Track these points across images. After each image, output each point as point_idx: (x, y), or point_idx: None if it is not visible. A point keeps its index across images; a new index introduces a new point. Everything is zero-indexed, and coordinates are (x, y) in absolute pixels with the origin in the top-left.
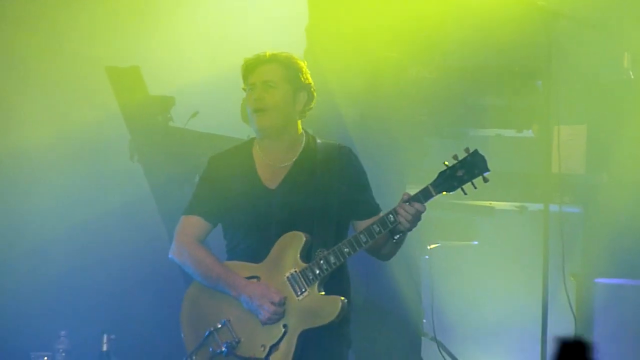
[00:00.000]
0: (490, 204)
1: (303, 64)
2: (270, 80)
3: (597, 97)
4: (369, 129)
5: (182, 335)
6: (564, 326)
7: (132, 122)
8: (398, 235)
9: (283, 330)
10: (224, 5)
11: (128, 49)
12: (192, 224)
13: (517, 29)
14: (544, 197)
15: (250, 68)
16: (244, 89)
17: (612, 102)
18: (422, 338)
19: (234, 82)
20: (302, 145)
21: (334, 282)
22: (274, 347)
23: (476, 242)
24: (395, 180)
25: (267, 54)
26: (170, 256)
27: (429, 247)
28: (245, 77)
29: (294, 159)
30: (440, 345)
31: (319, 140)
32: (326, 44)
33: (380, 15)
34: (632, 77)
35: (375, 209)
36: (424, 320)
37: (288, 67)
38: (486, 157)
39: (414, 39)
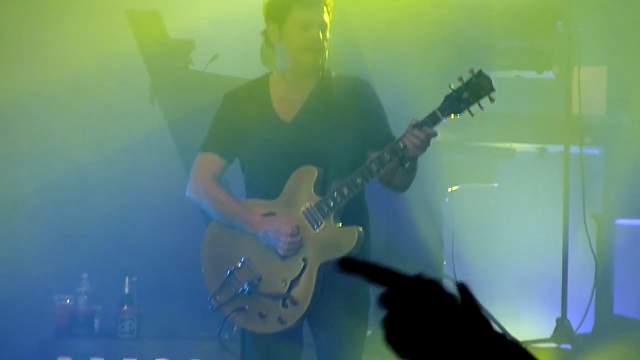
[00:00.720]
0: (511, 146)
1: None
2: (325, 21)
3: (617, 39)
4: (388, 70)
5: (204, 275)
6: (584, 268)
7: (152, 66)
8: (408, 163)
9: (303, 264)
10: None
11: None
12: (208, 162)
13: None
14: (565, 139)
15: (308, 3)
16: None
17: (633, 43)
18: (443, 281)
19: (254, 25)
20: (318, 77)
21: (353, 217)
22: (295, 282)
23: (497, 185)
24: (413, 115)
25: None
26: (187, 195)
27: (449, 190)
28: (295, 8)
29: (310, 91)
30: None
31: (333, 74)
32: None
33: None
34: None
35: (392, 140)
36: (445, 263)
37: (330, 8)
38: (492, 78)
39: None
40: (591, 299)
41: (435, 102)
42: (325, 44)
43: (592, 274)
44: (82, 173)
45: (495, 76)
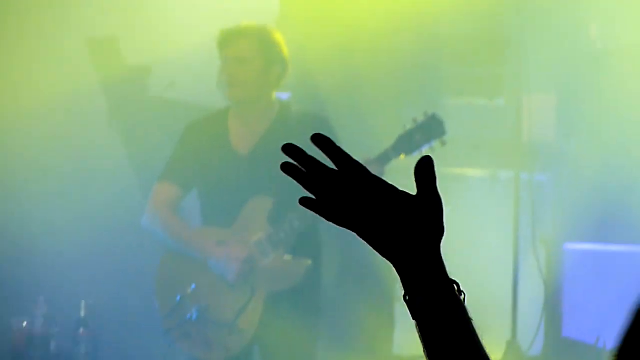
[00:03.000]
0: (462, 171)
1: (279, 37)
2: (243, 56)
3: (566, 67)
4: (343, 99)
5: (155, 300)
6: (534, 291)
7: (109, 92)
8: None
9: (250, 293)
10: None
11: (107, 18)
12: (165, 191)
13: None
14: (515, 165)
15: (225, 42)
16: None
17: (581, 72)
18: (396, 304)
19: (211, 51)
20: (276, 113)
21: (305, 248)
22: (241, 311)
23: (449, 209)
24: (371, 150)
25: (242, 26)
26: (142, 223)
27: None
28: (220, 48)
29: (267, 127)
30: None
31: (293, 109)
32: (300, 12)
33: None
34: (600, 47)
35: None
36: (399, 287)
37: (262, 40)
38: (446, 122)
39: (389, 9)
40: (540, 321)
41: (389, 131)
42: (244, 77)
43: (542, 297)
44: (40, 191)
45: (448, 102)
